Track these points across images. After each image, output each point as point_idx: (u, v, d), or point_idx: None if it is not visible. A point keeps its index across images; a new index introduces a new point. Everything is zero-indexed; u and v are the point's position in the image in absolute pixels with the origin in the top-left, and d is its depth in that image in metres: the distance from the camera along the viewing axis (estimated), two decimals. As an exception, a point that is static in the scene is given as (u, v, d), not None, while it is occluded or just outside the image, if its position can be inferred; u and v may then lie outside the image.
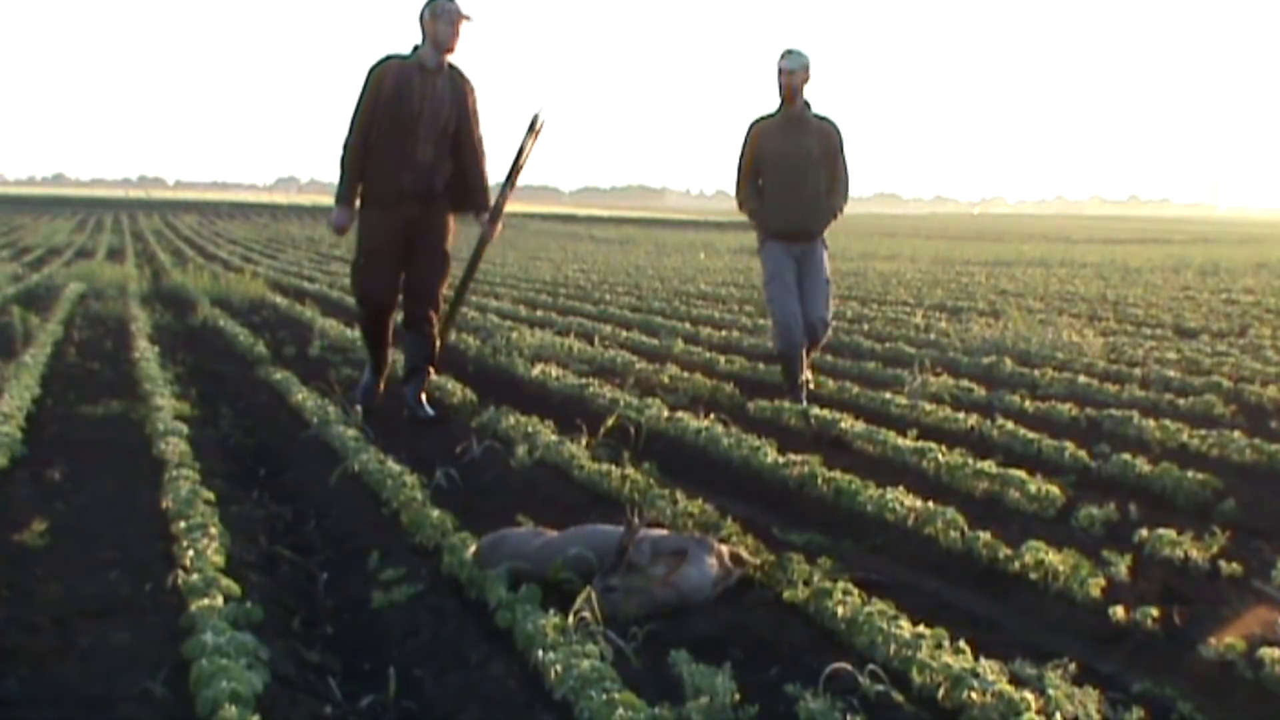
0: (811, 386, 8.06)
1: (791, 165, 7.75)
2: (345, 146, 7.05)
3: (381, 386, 7.65)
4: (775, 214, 7.87)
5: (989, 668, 3.18)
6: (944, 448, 6.02)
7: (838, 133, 7.87)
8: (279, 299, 16.17)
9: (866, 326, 13.19)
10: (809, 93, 7.85)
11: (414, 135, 6.97)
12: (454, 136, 7.08)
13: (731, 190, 8.21)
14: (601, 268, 26.46)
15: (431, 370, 7.48)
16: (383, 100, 6.93)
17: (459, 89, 7.08)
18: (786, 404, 7.54)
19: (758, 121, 7.91)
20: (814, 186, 7.80)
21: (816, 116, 7.84)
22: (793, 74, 7.70)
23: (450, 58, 7.05)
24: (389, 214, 7.05)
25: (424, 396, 7.42)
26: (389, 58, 7.03)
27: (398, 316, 7.52)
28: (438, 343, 7.39)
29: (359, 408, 7.17)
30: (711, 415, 6.96)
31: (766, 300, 8.11)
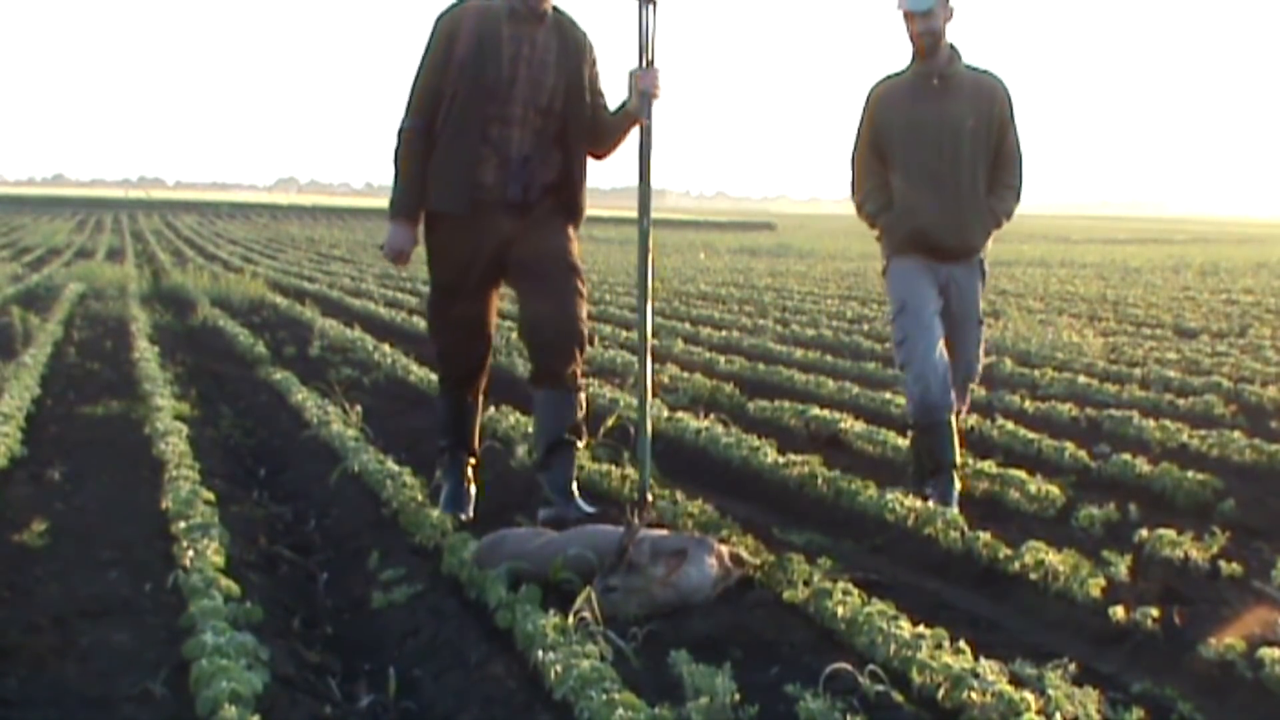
0: (957, 473, 5.32)
1: (933, 144, 5.24)
2: (399, 134, 4.85)
3: (471, 486, 5.14)
4: (909, 217, 5.29)
5: (989, 668, 3.18)
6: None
7: (1006, 95, 5.34)
8: (279, 299, 16.17)
9: (866, 327, 13.19)
10: (956, 38, 5.29)
11: (504, 114, 4.77)
12: (562, 115, 4.86)
13: (846, 193, 5.61)
14: (601, 268, 26.44)
15: (579, 444, 5.05)
16: (457, 62, 4.74)
17: (571, 46, 4.85)
18: (915, 501, 5.05)
19: (881, 83, 5.43)
20: (967, 175, 5.26)
21: (971, 70, 5.33)
22: (923, 16, 5.16)
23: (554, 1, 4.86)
24: (466, 231, 4.80)
25: (575, 486, 5.03)
26: (461, 1, 4.86)
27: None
28: (583, 402, 5.01)
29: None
30: (711, 415, 6.96)
31: (896, 344, 5.43)
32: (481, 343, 5.00)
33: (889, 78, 5.41)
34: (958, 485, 5.26)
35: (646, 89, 4.79)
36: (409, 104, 4.86)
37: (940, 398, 5.19)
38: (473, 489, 5.13)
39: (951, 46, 5.28)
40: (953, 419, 5.29)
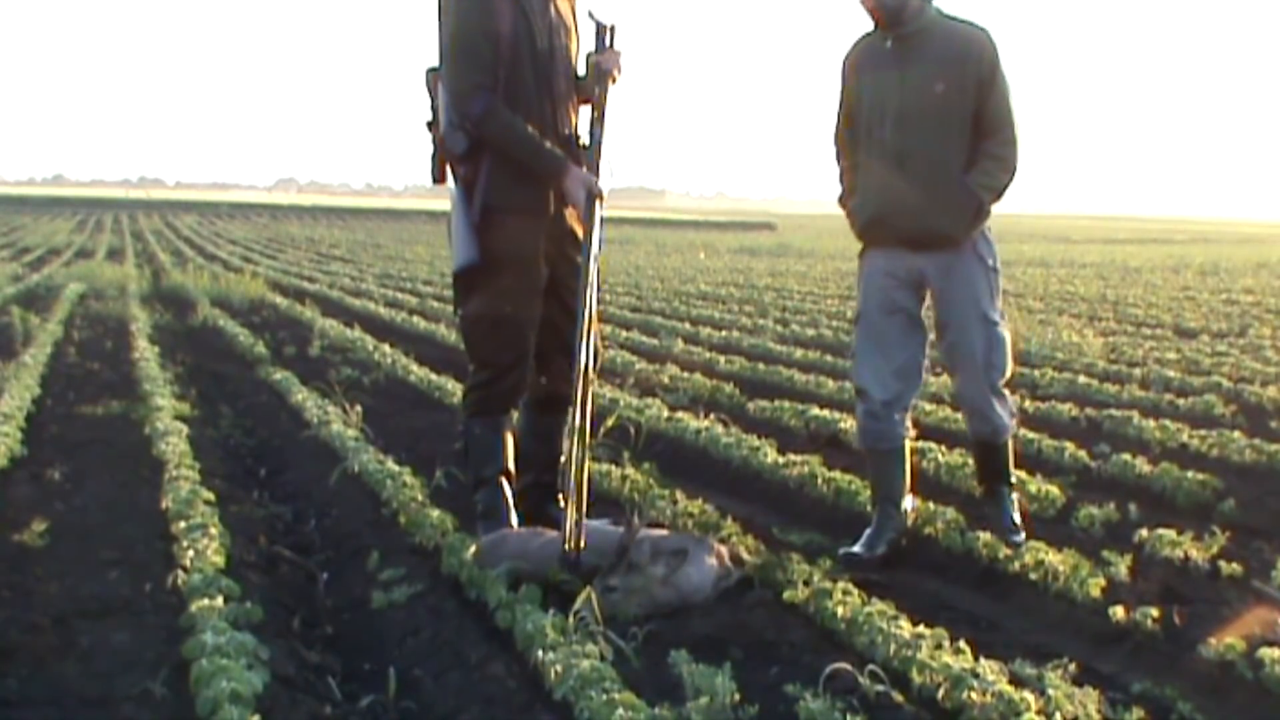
0: (1021, 531, 4.64)
1: (894, 116, 4.41)
2: (481, 118, 4.30)
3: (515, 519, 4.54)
4: (868, 202, 4.54)
5: (989, 668, 3.18)
6: (944, 448, 6.02)
7: (988, 48, 4.40)
8: (279, 299, 16.17)
9: (866, 326, 13.17)
10: None
11: (551, 90, 4.40)
12: (578, 83, 4.53)
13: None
14: (601, 268, 26.53)
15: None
16: (508, 37, 4.29)
17: (574, 8, 4.56)
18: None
19: (854, 47, 4.60)
20: (936, 150, 4.39)
21: (948, 21, 4.45)
22: None
23: None
24: (531, 228, 4.43)
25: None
26: None
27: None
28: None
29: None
30: (711, 415, 6.96)
31: (850, 356, 4.96)
32: (530, 352, 4.47)
33: (863, 38, 4.58)
34: (895, 532, 4.64)
35: (607, 68, 4.36)
36: (466, 86, 4.27)
37: (886, 426, 4.58)
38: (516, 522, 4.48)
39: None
40: (904, 448, 4.65)
